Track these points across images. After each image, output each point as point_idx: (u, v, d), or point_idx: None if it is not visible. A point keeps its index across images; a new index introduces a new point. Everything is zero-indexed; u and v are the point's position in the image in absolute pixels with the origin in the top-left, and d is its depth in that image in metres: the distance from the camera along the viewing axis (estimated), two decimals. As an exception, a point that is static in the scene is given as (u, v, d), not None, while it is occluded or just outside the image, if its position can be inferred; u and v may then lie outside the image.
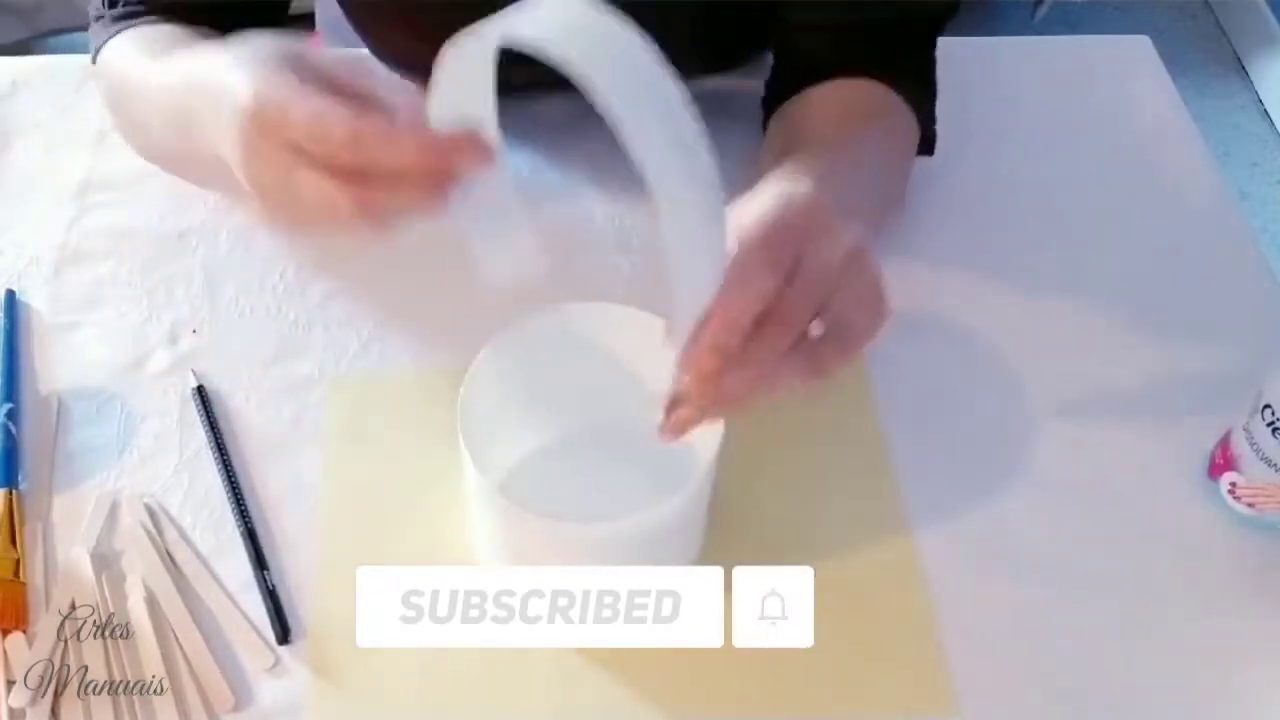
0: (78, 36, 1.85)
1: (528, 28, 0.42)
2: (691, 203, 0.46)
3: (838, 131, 0.70)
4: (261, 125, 0.49)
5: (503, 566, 0.60)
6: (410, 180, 0.48)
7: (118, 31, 0.71)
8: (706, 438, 0.54)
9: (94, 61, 0.74)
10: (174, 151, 0.68)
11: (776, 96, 0.76)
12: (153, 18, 0.72)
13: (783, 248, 0.49)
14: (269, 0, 0.75)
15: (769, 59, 0.83)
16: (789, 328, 0.49)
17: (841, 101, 0.72)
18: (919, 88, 0.74)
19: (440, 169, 0.48)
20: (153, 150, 0.74)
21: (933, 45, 0.74)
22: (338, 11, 0.84)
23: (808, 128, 0.72)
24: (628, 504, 0.52)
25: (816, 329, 0.51)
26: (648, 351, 0.53)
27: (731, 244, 0.49)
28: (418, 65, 0.75)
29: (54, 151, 0.81)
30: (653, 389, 0.52)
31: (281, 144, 0.49)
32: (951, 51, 0.75)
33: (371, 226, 0.50)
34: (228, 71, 0.52)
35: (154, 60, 0.67)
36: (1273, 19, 2.20)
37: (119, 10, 0.72)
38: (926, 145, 0.76)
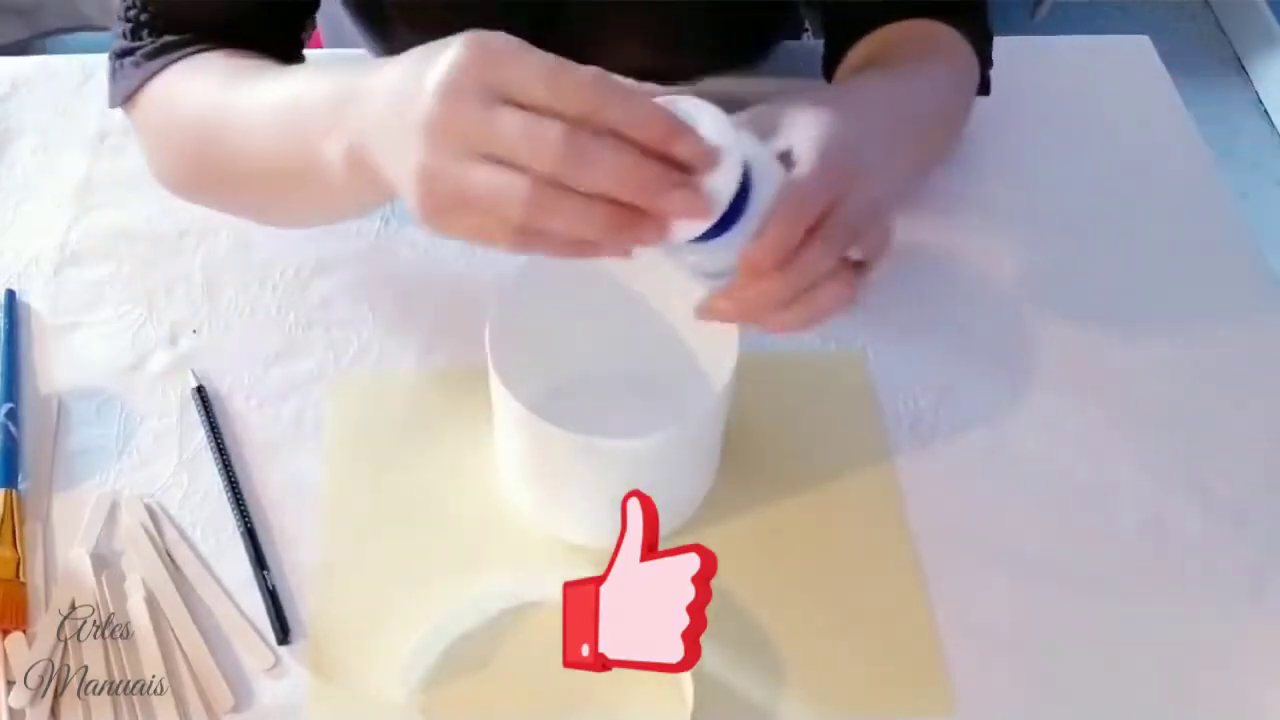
0: (78, 37, 1.85)
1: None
2: None
3: (897, 54, 0.72)
4: (487, 61, 0.45)
5: (529, 491, 0.63)
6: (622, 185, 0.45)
7: (160, 69, 0.66)
8: (720, 368, 0.59)
9: (124, 101, 0.69)
10: (281, 171, 0.60)
11: (834, 57, 0.77)
12: (192, 49, 0.67)
13: (834, 174, 0.54)
14: (294, 3, 0.72)
15: (779, 56, 0.83)
16: (831, 248, 0.53)
17: (900, 32, 0.74)
18: (974, 29, 0.76)
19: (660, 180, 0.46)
20: (241, 181, 0.65)
21: None
22: (339, 10, 0.84)
23: (867, 57, 0.74)
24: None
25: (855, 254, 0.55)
26: (673, 297, 0.60)
27: (800, 147, 0.54)
28: None
29: (53, 152, 0.81)
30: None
31: (488, 100, 0.45)
32: (951, 51, 0.75)
33: (531, 237, 0.47)
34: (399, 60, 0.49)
35: (248, 82, 0.62)
36: (1273, 19, 2.20)
37: (150, 46, 0.67)
38: (983, 86, 0.78)
